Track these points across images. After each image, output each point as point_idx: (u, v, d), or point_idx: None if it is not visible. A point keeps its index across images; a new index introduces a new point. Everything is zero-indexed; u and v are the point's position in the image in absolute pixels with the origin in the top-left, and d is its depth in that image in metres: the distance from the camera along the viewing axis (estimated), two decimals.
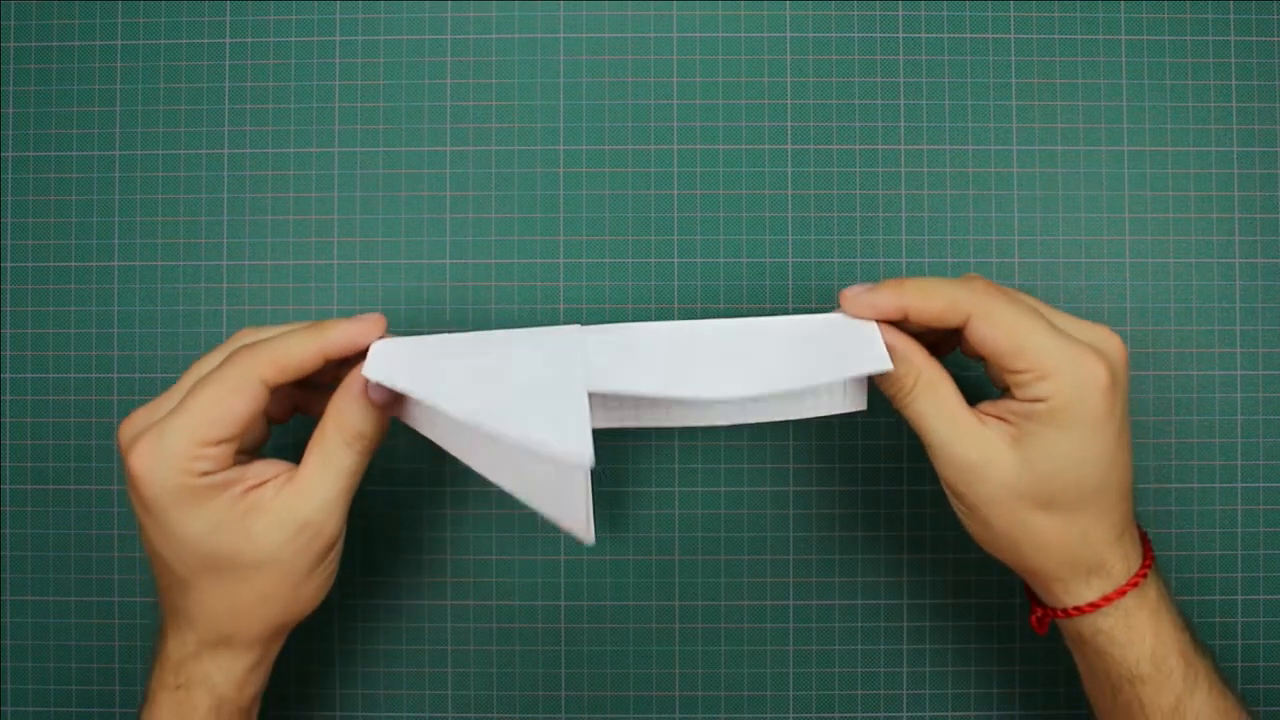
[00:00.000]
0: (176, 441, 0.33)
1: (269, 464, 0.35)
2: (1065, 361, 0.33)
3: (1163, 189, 0.45)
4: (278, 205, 0.45)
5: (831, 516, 0.45)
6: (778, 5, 0.45)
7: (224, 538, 0.33)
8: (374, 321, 0.35)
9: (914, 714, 0.45)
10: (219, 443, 0.33)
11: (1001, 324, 0.33)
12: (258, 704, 0.38)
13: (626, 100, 0.45)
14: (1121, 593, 0.35)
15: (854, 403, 0.37)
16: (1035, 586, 0.37)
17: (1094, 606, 0.35)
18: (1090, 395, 0.33)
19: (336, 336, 0.35)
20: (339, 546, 0.36)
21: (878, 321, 0.35)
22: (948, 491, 0.36)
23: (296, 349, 0.34)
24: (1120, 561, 0.35)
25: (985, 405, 0.35)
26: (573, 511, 0.33)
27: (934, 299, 0.34)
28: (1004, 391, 0.35)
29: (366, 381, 0.34)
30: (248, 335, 0.36)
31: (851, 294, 0.35)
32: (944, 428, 0.34)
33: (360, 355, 0.36)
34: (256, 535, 0.33)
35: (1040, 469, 0.33)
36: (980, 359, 0.36)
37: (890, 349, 0.34)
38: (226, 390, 0.33)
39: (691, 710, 0.45)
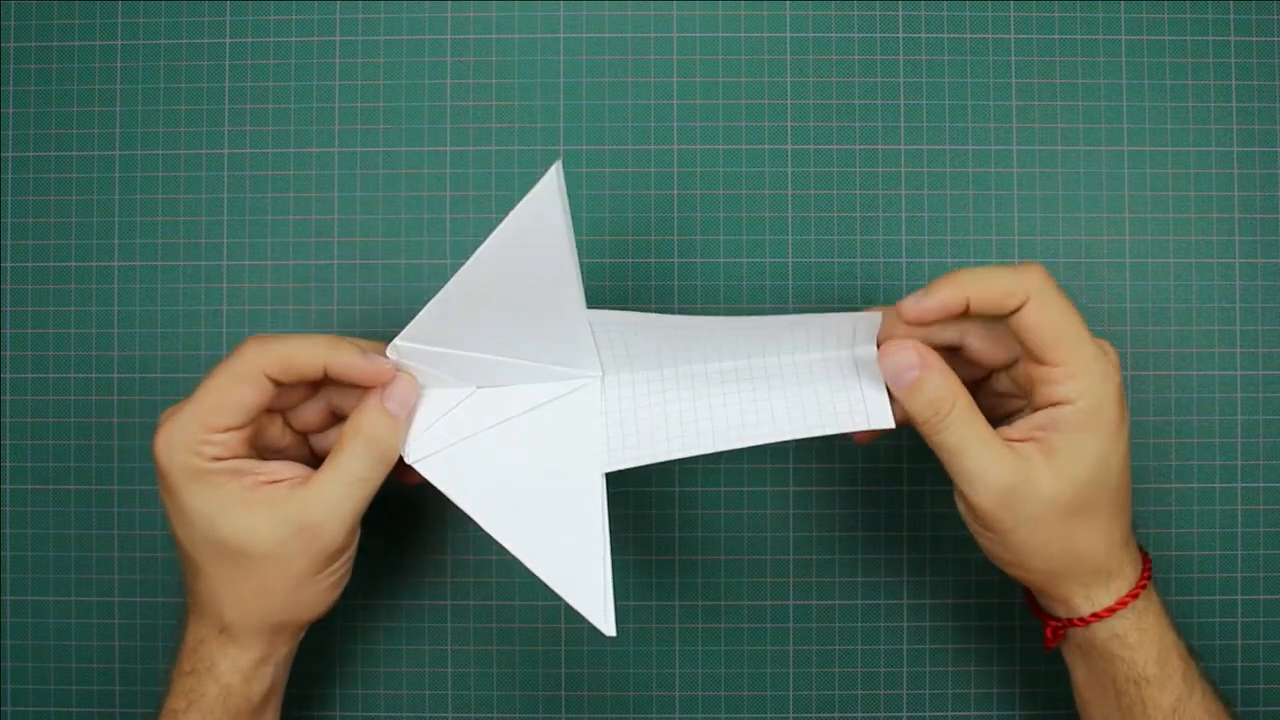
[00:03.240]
0: (188, 426, 0.34)
1: (289, 465, 0.36)
2: (1093, 361, 0.33)
3: (1163, 189, 0.45)
4: (278, 205, 0.45)
5: (831, 516, 0.45)
6: (778, 5, 0.45)
7: (229, 524, 0.34)
8: (381, 372, 0.36)
9: (914, 714, 0.45)
10: (226, 429, 0.35)
11: (1055, 309, 0.33)
12: (273, 705, 0.38)
13: (626, 100, 0.45)
14: (1134, 594, 0.35)
15: (878, 419, 0.36)
16: (1053, 599, 0.36)
17: (1111, 611, 0.35)
18: (1110, 398, 0.34)
19: (342, 358, 0.35)
20: (347, 559, 0.37)
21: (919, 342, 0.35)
22: (977, 521, 0.35)
23: (303, 351, 0.35)
24: (1130, 564, 0.36)
25: (1003, 431, 0.35)
26: (590, 597, 0.35)
27: (995, 283, 0.34)
28: (1009, 418, 0.36)
29: (386, 394, 0.36)
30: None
31: (908, 305, 0.34)
32: (982, 453, 0.33)
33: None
34: (259, 528, 0.34)
35: (1074, 477, 0.33)
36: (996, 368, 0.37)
37: (928, 369, 0.34)
38: (231, 378, 0.35)
39: (691, 710, 0.45)
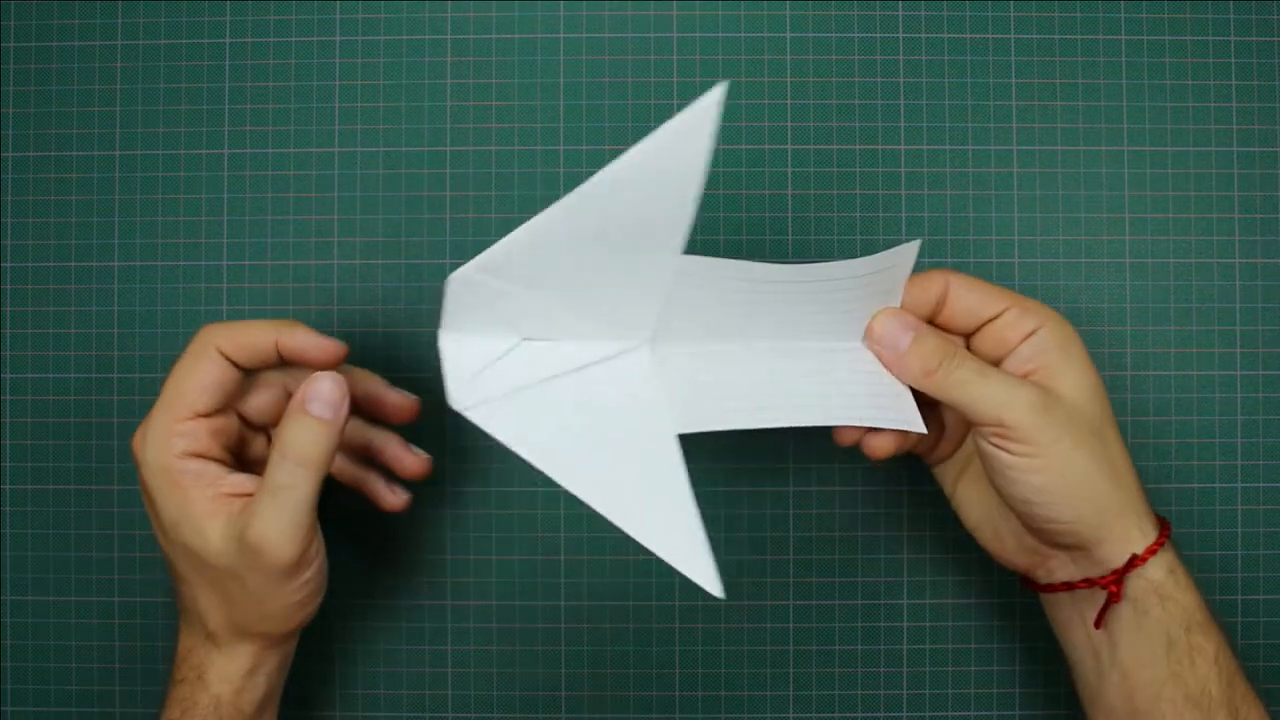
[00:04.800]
0: (157, 421, 0.35)
1: (254, 479, 0.36)
2: (1030, 300, 0.36)
3: (1163, 189, 0.45)
4: (278, 205, 0.45)
5: (831, 516, 0.45)
6: (778, 5, 0.45)
7: (190, 532, 0.34)
8: (332, 349, 0.36)
9: (914, 714, 0.45)
10: (193, 416, 0.35)
11: (973, 279, 0.37)
12: (268, 715, 0.38)
13: (626, 100, 0.45)
14: (1168, 526, 0.36)
15: (914, 423, 0.36)
16: (1108, 541, 0.35)
17: (1162, 541, 0.36)
18: (1064, 321, 0.36)
19: (294, 334, 0.36)
20: (310, 578, 0.36)
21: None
22: (1021, 443, 0.34)
23: (254, 328, 0.36)
24: (1150, 509, 0.37)
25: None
26: (695, 559, 0.32)
27: (912, 286, 0.37)
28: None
29: (305, 396, 0.35)
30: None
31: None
32: (1003, 377, 0.35)
33: (308, 370, 0.36)
34: (212, 541, 0.34)
35: (1083, 384, 0.36)
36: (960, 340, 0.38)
37: (921, 328, 0.37)
38: (188, 361, 0.35)
39: (691, 710, 0.45)
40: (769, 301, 0.36)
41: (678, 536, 0.32)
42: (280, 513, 0.34)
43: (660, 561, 0.45)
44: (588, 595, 0.45)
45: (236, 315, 0.45)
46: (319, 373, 0.35)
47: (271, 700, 0.38)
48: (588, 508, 0.46)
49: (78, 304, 0.45)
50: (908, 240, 0.36)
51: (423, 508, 0.45)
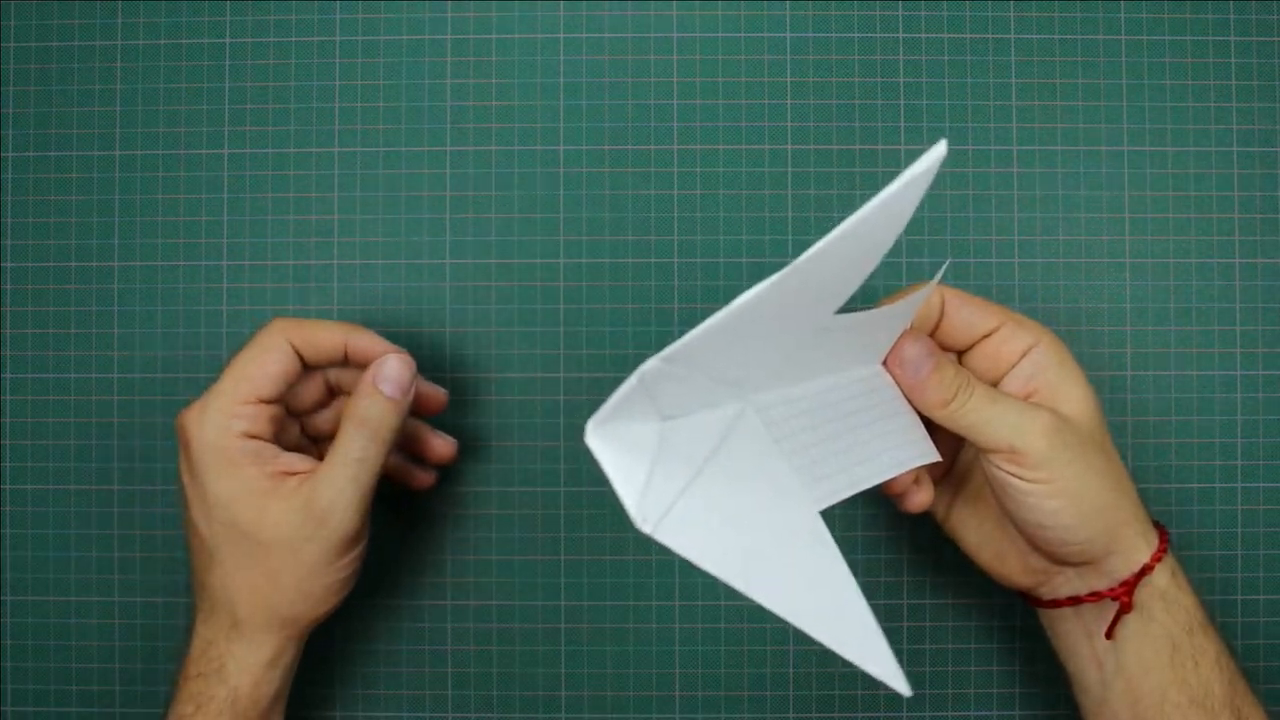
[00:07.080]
0: (219, 401, 0.36)
1: (305, 459, 0.37)
2: (1022, 315, 0.37)
3: (1163, 189, 0.45)
4: (278, 205, 0.45)
5: (831, 516, 0.45)
6: (778, 5, 0.45)
7: (244, 509, 0.35)
8: (402, 354, 0.38)
9: (914, 714, 0.45)
10: (257, 401, 0.36)
11: (965, 295, 0.37)
12: (277, 712, 0.38)
13: (626, 100, 0.45)
14: (1166, 531, 0.37)
15: (931, 453, 0.36)
16: (1116, 554, 0.35)
17: (1163, 547, 0.36)
18: (1055, 335, 0.37)
19: (362, 339, 0.38)
20: (356, 557, 0.38)
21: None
22: (1035, 470, 0.34)
23: (326, 328, 0.38)
24: (1148, 514, 0.37)
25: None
26: (879, 657, 0.29)
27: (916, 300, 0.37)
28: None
29: (376, 376, 0.37)
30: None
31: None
32: (1017, 404, 0.35)
33: (354, 368, 0.38)
34: (271, 514, 0.35)
35: (1084, 398, 0.36)
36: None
37: (941, 354, 0.36)
38: (259, 350, 0.37)
39: (691, 710, 0.45)
40: (817, 341, 0.33)
41: (857, 633, 0.30)
42: (351, 482, 0.36)
43: (659, 562, 0.45)
44: (588, 595, 0.45)
45: (236, 316, 0.45)
46: (389, 354, 0.37)
47: (280, 700, 0.39)
48: (588, 509, 0.46)
49: (78, 304, 0.45)
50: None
51: (423, 507, 0.45)
